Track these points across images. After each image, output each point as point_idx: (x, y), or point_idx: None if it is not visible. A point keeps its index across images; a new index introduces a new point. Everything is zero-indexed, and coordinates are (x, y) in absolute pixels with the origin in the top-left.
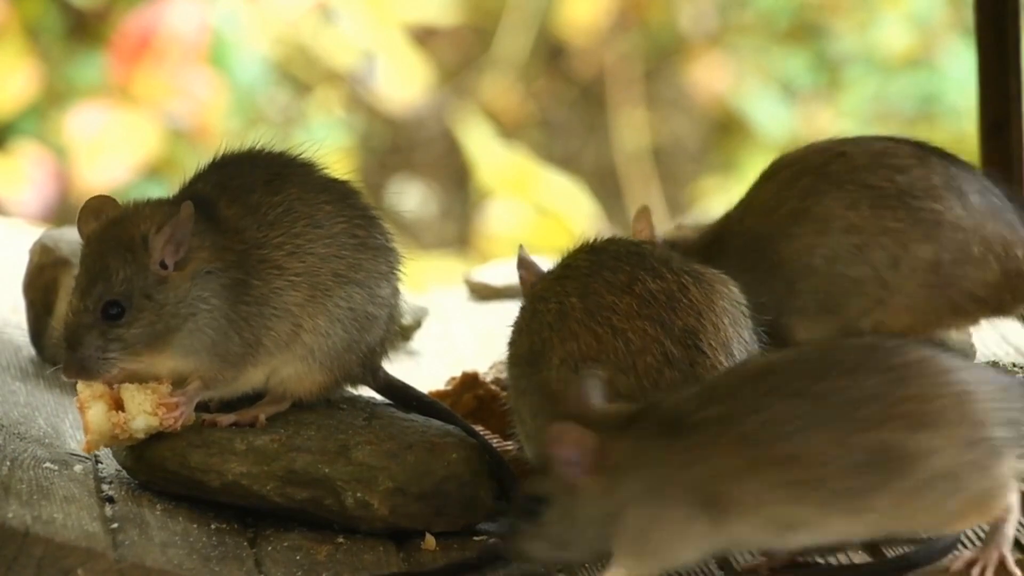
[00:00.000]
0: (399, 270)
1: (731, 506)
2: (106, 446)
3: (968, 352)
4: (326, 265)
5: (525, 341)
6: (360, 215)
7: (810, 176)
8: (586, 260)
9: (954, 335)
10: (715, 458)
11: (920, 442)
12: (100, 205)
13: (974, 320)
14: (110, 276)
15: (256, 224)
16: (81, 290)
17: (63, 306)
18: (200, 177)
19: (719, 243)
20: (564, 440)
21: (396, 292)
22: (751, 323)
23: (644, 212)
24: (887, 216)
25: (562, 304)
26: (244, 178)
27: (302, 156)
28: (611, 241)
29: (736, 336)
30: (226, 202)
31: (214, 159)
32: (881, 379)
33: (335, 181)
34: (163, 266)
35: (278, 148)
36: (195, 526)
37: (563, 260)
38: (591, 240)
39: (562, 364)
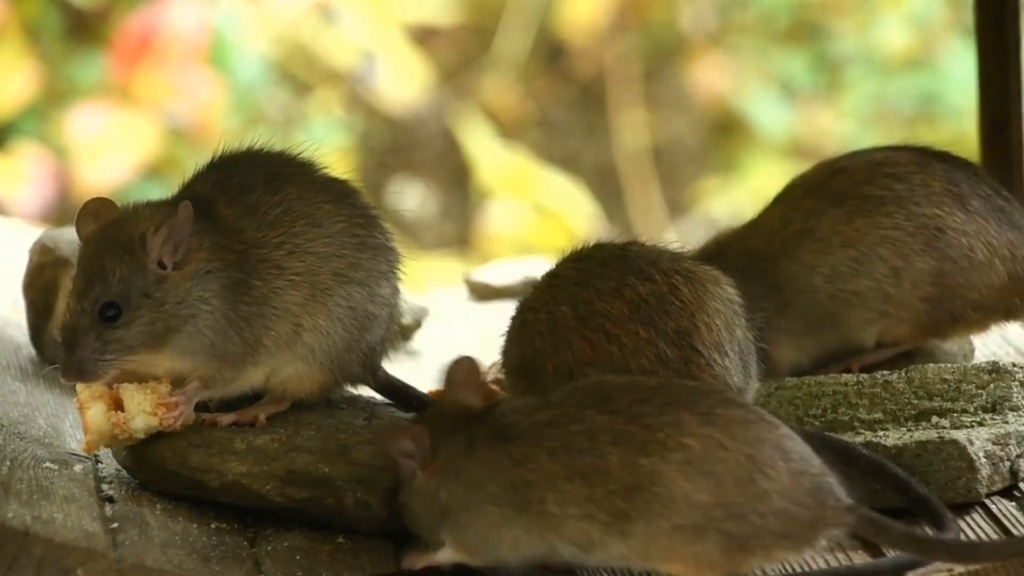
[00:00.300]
0: (399, 269)
1: (543, 514)
2: (106, 446)
3: (967, 353)
4: (326, 264)
5: (516, 351)
6: (359, 214)
7: (812, 196)
8: (573, 269)
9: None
10: (534, 462)
11: (686, 486)
12: (99, 207)
13: (982, 327)
14: (107, 277)
15: (255, 224)
16: (78, 292)
17: (63, 306)
18: (199, 177)
19: (720, 259)
20: (400, 436)
21: (396, 291)
22: (745, 322)
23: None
24: (884, 223)
25: (552, 313)
26: (243, 178)
27: (301, 156)
28: (597, 247)
29: (729, 336)
30: (225, 202)
31: (213, 159)
32: (689, 416)
33: (334, 180)
34: (161, 266)
35: (277, 148)
36: (195, 526)
37: (550, 270)
38: (577, 248)
39: (556, 372)
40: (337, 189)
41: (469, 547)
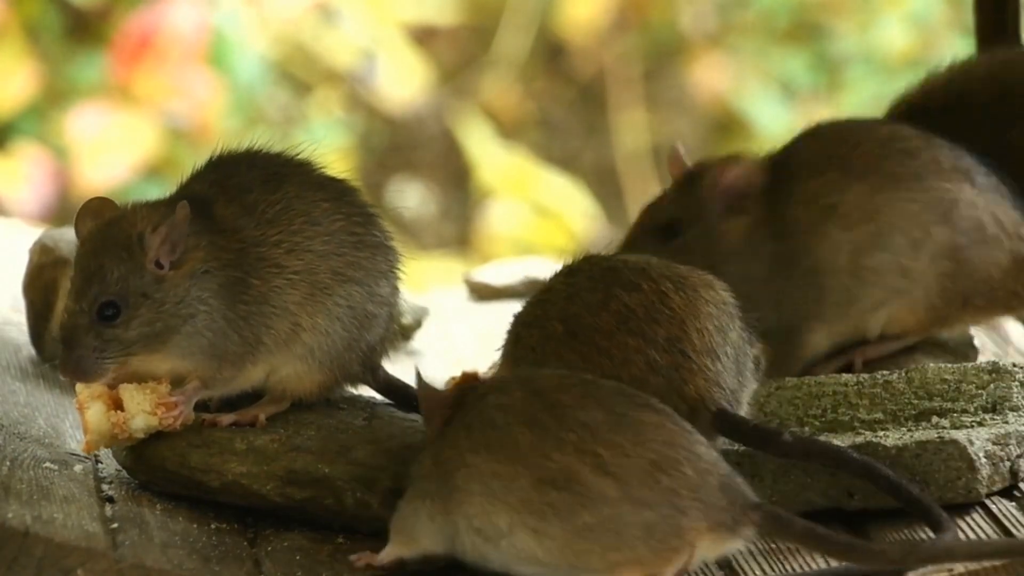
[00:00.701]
0: (398, 268)
1: (453, 491)
2: (106, 446)
3: (969, 354)
4: (325, 263)
5: (511, 367)
6: (358, 212)
7: (836, 170)
8: (564, 283)
9: (954, 337)
10: (453, 436)
11: (600, 486)
12: (98, 207)
13: (986, 315)
14: (105, 276)
15: (254, 223)
16: (76, 291)
17: (63, 306)
18: (197, 177)
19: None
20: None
21: (395, 290)
22: (740, 323)
23: (676, 154)
24: (903, 198)
25: (544, 328)
26: (241, 177)
27: (299, 155)
28: (587, 260)
29: (722, 340)
30: (223, 201)
31: (211, 158)
32: (606, 417)
33: (332, 179)
34: (159, 266)
35: (277, 148)
36: (195, 526)
37: (544, 285)
38: (569, 263)
39: None
40: (335, 188)
41: (396, 528)
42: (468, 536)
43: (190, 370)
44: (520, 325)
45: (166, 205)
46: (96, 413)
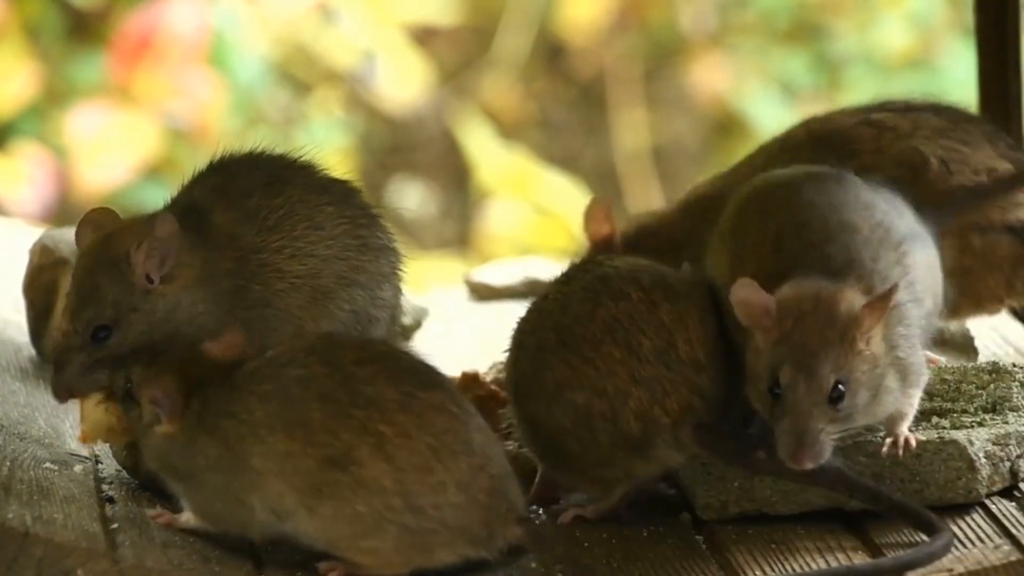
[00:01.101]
0: (401, 271)
1: (248, 471)
2: (104, 440)
3: (969, 354)
4: (328, 267)
5: (512, 372)
6: (362, 215)
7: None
8: (559, 292)
9: (954, 337)
10: (247, 412)
11: (375, 470)
12: (98, 218)
13: (987, 302)
14: (100, 299)
15: (255, 229)
16: (71, 312)
17: (63, 306)
18: (198, 180)
19: None
20: (154, 384)
21: (398, 293)
22: (736, 327)
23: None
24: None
25: (539, 337)
26: (243, 181)
27: (302, 158)
28: (582, 267)
29: (714, 347)
30: (222, 208)
31: (212, 162)
32: (392, 394)
33: (336, 181)
34: (149, 280)
35: (278, 149)
36: None
37: (543, 292)
38: (567, 269)
39: (540, 393)
40: (339, 190)
41: (198, 511)
42: (263, 513)
43: None
44: (522, 333)
45: (158, 218)
46: (94, 403)
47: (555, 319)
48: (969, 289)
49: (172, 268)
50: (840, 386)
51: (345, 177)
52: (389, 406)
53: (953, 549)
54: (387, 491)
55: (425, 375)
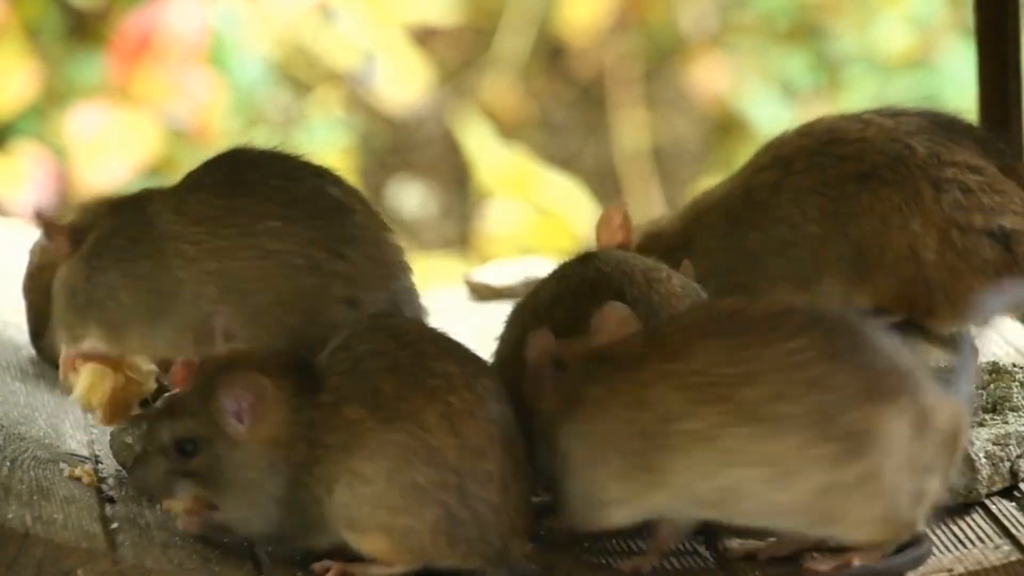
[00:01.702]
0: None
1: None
2: (98, 406)
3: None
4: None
5: (509, 371)
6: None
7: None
8: (549, 293)
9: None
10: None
11: (441, 441)
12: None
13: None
14: None
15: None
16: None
17: None
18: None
19: None
20: (238, 387)
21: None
22: None
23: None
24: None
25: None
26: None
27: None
28: (575, 266)
29: None
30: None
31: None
32: (457, 370)
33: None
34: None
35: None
36: None
37: (534, 288)
38: (562, 264)
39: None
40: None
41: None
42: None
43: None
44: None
45: None
46: (90, 370)
47: (541, 322)
48: (953, 290)
49: None
50: None
51: (345, 178)
52: (457, 381)
53: (953, 549)
54: (449, 465)
55: (481, 361)
